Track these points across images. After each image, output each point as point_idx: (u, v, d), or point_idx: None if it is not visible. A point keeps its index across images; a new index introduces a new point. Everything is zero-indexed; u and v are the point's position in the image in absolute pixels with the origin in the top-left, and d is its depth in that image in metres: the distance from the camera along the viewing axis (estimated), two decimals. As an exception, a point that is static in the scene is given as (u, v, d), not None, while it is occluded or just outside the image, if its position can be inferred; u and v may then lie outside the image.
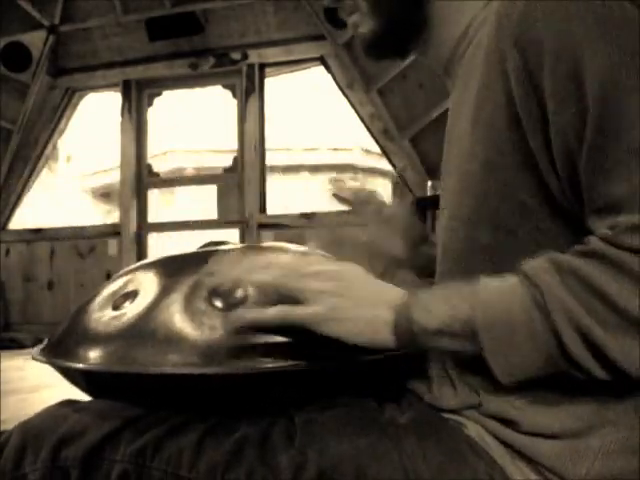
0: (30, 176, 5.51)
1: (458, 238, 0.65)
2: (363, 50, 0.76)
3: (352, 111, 4.85)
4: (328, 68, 4.82)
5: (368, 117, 4.74)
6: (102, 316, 0.68)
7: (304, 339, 0.61)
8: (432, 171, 4.55)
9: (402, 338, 0.58)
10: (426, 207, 4.26)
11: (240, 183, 5.04)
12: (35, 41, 5.08)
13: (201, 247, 0.84)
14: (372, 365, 0.64)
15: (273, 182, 6.00)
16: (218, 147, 9.48)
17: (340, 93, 4.84)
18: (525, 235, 0.59)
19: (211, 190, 5.26)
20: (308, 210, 5.05)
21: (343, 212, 4.84)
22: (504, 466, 0.58)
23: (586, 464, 0.55)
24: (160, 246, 6.29)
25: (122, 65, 5.24)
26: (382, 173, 10.60)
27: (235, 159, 5.15)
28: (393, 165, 4.83)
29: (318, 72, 5.13)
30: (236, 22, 4.94)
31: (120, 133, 5.33)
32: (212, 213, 5.23)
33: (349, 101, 4.81)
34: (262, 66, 5.02)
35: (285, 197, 9.06)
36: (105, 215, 11.29)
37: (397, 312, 0.58)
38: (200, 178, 7.60)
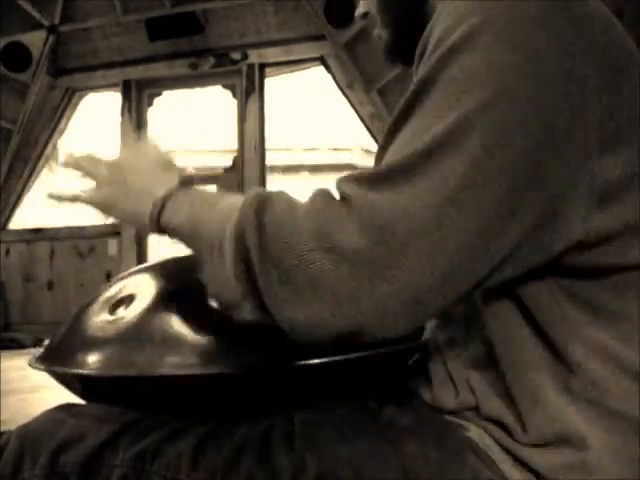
0: (30, 176, 5.52)
1: None
2: (385, 58, 0.81)
3: (352, 111, 4.85)
4: (328, 68, 4.82)
5: (368, 117, 4.74)
6: (98, 321, 0.68)
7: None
8: (432, 171, 4.55)
9: (152, 228, 0.67)
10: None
11: (240, 183, 5.03)
12: (35, 41, 5.09)
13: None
14: (371, 361, 0.64)
15: (273, 182, 6.00)
16: (218, 147, 9.49)
17: (340, 93, 4.84)
18: None
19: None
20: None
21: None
22: (504, 469, 0.57)
23: (583, 473, 0.55)
24: (160, 246, 6.29)
25: (122, 65, 5.24)
26: (382, 173, 10.61)
27: (235, 159, 5.15)
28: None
29: (318, 72, 5.13)
30: (236, 22, 4.94)
31: (120, 133, 5.33)
32: (212, 213, 5.20)
33: (349, 101, 4.82)
34: (262, 66, 5.02)
35: (285, 197, 9.05)
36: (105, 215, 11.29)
37: (154, 205, 0.66)
38: (200, 178, 7.60)
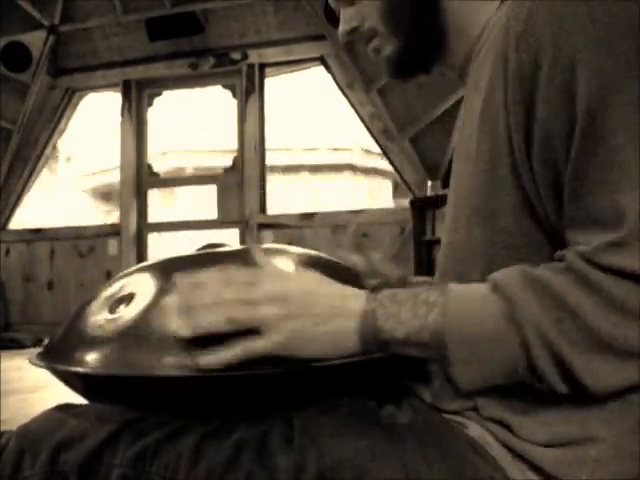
0: (30, 176, 5.52)
1: (459, 239, 0.65)
2: (389, 73, 0.76)
3: (352, 111, 4.85)
4: (328, 68, 4.82)
5: (368, 117, 4.74)
6: (99, 320, 0.68)
7: None
8: (432, 171, 4.56)
9: (369, 347, 0.58)
10: (425, 207, 4.26)
11: (240, 183, 5.04)
12: (35, 41, 5.09)
13: (199, 249, 0.84)
14: (372, 363, 0.64)
15: (273, 182, 6.00)
16: (218, 147, 9.49)
17: (340, 93, 4.84)
18: (518, 238, 0.59)
19: (211, 190, 5.25)
20: (308, 210, 5.06)
21: (342, 212, 4.84)
22: (506, 467, 0.57)
23: (585, 471, 0.55)
24: (160, 246, 6.29)
25: (122, 65, 5.24)
26: (382, 173, 10.61)
27: (235, 159, 5.15)
28: (393, 165, 4.83)
29: (318, 72, 5.13)
30: (236, 22, 4.94)
31: (120, 133, 5.33)
32: (212, 213, 5.22)
33: (349, 101, 4.82)
34: (262, 66, 5.02)
35: (285, 197, 9.07)
36: (105, 215, 11.29)
37: (362, 321, 0.57)
38: (200, 178, 7.60)
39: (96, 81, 5.38)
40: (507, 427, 0.58)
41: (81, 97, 5.58)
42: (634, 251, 0.48)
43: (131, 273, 0.75)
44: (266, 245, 0.86)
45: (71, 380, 0.69)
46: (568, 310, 0.50)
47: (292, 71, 5.27)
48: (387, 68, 0.76)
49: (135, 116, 5.30)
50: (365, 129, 4.89)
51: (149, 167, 5.42)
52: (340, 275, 0.65)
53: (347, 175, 11.02)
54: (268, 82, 5.12)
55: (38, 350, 0.73)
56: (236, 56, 5.00)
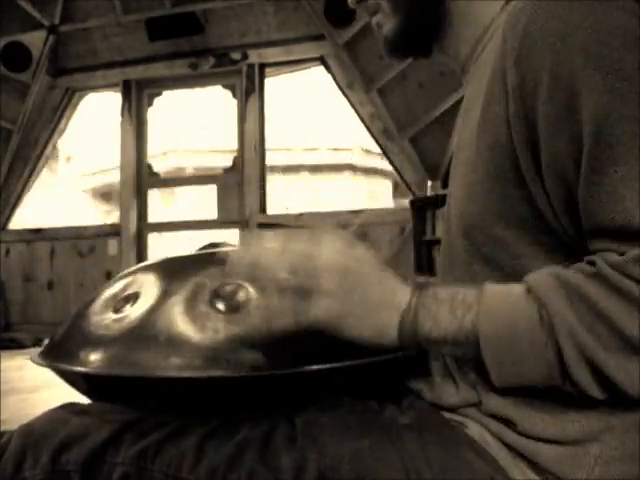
0: (30, 176, 5.52)
1: (460, 245, 0.65)
2: (387, 50, 0.76)
3: (352, 111, 4.85)
4: (328, 68, 4.82)
5: (368, 117, 4.74)
6: (103, 319, 0.67)
7: (309, 340, 0.61)
8: (432, 171, 4.56)
9: (406, 342, 0.58)
10: (425, 207, 4.26)
11: (240, 183, 5.04)
12: (35, 41, 5.09)
13: (200, 249, 0.84)
14: (374, 366, 0.64)
15: (273, 182, 6.00)
16: (218, 147, 9.49)
17: (340, 93, 4.84)
18: (522, 249, 0.59)
19: (211, 190, 5.25)
20: (308, 210, 5.06)
21: (342, 212, 4.85)
22: (505, 466, 0.57)
23: (585, 469, 0.55)
24: (160, 246, 6.29)
25: (122, 65, 5.24)
26: (382, 173, 10.61)
27: (235, 159, 5.16)
28: (393, 165, 4.83)
29: (318, 72, 5.13)
30: (236, 22, 4.94)
31: (120, 133, 5.33)
32: (212, 213, 5.22)
33: (349, 101, 4.82)
34: (262, 66, 5.02)
35: (285, 197, 9.07)
36: (105, 215, 11.29)
37: (403, 316, 0.58)
38: (200, 178, 7.60)
39: (96, 81, 5.38)
40: (508, 423, 0.58)
41: (81, 97, 5.58)
42: None
43: (133, 273, 0.75)
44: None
45: (74, 380, 0.69)
46: (600, 315, 0.50)
47: (292, 71, 5.27)
48: (384, 45, 0.76)
49: (135, 116, 5.30)
50: (365, 129, 4.89)
51: (149, 167, 5.42)
52: None
53: (347, 175, 11.02)
54: (268, 82, 5.13)
55: (39, 349, 0.73)
56: (236, 56, 5.00)
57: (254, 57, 4.98)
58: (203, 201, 8.58)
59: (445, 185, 4.24)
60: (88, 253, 5.31)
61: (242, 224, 4.97)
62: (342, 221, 4.70)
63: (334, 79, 4.84)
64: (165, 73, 5.20)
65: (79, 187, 11.79)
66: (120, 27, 5.10)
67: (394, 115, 4.63)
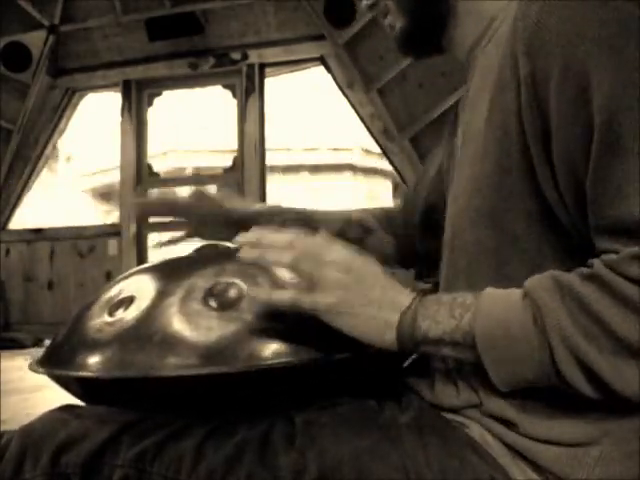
0: (30, 176, 5.51)
1: (466, 239, 0.65)
2: (399, 49, 0.78)
3: (352, 111, 4.85)
4: (328, 68, 4.82)
5: (368, 117, 4.74)
6: (98, 323, 0.67)
7: (302, 334, 0.61)
8: (432, 171, 4.55)
9: (404, 341, 0.59)
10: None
11: (240, 183, 5.03)
12: (35, 41, 5.08)
13: (198, 249, 0.84)
14: (372, 360, 0.64)
15: (273, 182, 6.00)
16: (218, 147, 9.48)
17: (340, 93, 4.84)
18: (529, 243, 0.59)
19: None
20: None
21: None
22: (506, 467, 0.58)
23: (585, 470, 0.55)
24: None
25: (122, 65, 5.23)
26: (382, 173, 10.60)
27: (235, 159, 5.15)
28: (393, 165, 4.83)
29: (318, 72, 5.13)
30: (236, 22, 4.94)
31: (120, 133, 5.33)
32: (212, 213, 5.19)
33: (349, 101, 4.81)
34: (262, 66, 5.02)
35: (285, 197, 9.06)
36: (105, 215, 11.29)
37: (402, 316, 0.59)
38: (200, 178, 7.59)
39: (96, 81, 5.37)
40: (509, 424, 0.58)
41: (81, 97, 5.57)
42: None
43: (130, 276, 0.75)
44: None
45: (72, 385, 0.69)
46: (594, 316, 0.50)
47: (292, 71, 5.27)
48: (396, 45, 0.78)
49: (135, 116, 5.30)
50: (365, 129, 4.88)
51: (149, 167, 5.42)
52: None
53: (347, 175, 11.01)
54: (268, 82, 5.12)
55: (38, 355, 0.73)
56: (236, 56, 5.00)
57: (254, 57, 4.97)
58: (203, 201, 8.54)
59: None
60: (88, 253, 5.31)
61: (242, 224, 4.96)
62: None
63: (334, 79, 4.83)
64: (165, 73, 5.19)
65: (79, 187, 11.78)
66: (120, 27, 5.09)
67: (394, 115, 4.63)
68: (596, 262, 0.52)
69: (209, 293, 0.65)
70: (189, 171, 10.00)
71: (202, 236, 1.01)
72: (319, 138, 10.83)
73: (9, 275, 5.39)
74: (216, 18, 4.94)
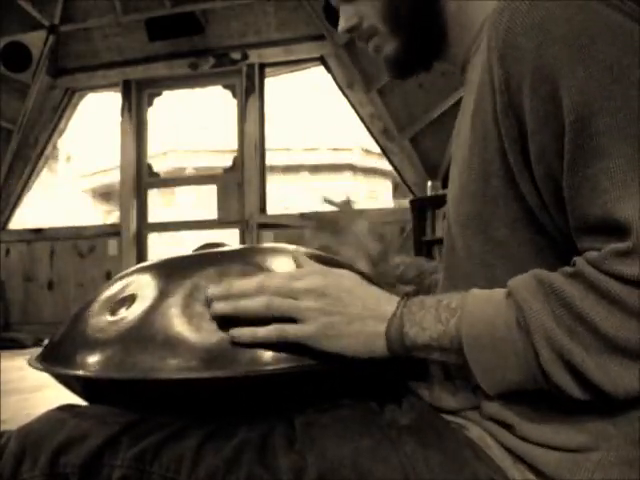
0: (30, 176, 5.52)
1: (457, 245, 0.65)
2: (389, 72, 0.76)
3: (352, 111, 4.85)
4: (328, 68, 4.82)
5: (368, 117, 4.74)
6: (99, 321, 0.67)
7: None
8: (432, 171, 4.56)
9: (395, 350, 0.59)
10: (425, 207, 4.26)
11: (240, 183, 5.04)
12: (35, 41, 5.09)
13: (197, 249, 0.84)
14: (373, 365, 0.64)
15: (273, 182, 6.00)
16: (218, 147, 9.49)
17: (340, 93, 4.84)
18: (515, 247, 0.59)
19: (211, 190, 5.25)
20: (308, 210, 5.05)
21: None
22: (505, 469, 0.57)
23: (585, 474, 0.55)
24: (160, 246, 6.29)
25: (122, 65, 5.24)
26: (382, 173, 10.60)
27: (235, 159, 5.15)
28: (393, 165, 4.83)
29: (318, 72, 5.13)
30: (236, 22, 4.94)
31: (120, 133, 5.33)
32: (212, 213, 5.22)
33: (349, 101, 4.82)
34: (262, 66, 5.02)
35: (285, 197, 9.06)
36: (105, 215, 11.29)
37: (389, 325, 0.59)
38: (200, 178, 7.59)
39: (96, 81, 5.38)
40: (508, 427, 0.58)
41: (81, 97, 5.58)
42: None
43: (131, 274, 0.74)
44: (266, 244, 0.86)
45: (72, 383, 0.68)
46: (578, 315, 0.49)
47: (292, 71, 5.27)
48: (387, 67, 0.76)
49: (135, 116, 5.30)
50: (365, 129, 4.89)
51: (149, 167, 5.42)
52: None
53: (347, 175, 11.01)
54: (268, 82, 5.13)
55: (37, 352, 0.73)
56: (236, 56, 5.00)
57: (254, 57, 4.97)
58: (203, 201, 8.58)
59: (445, 185, 4.24)
60: (88, 253, 5.31)
61: (242, 224, 4.97)
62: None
63: (334, 79, 4.84)
64: (165, 73, 5.19)
65: (79, 187, 11.78)
66: (120, 27, 5.10)
67: (394, 115, 4.63)
68: (579, 260, 0.52)
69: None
70: (189, 171, 10.00)
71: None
72: (319, 138, 10.83)
73: (9, 275, 5.39)
74: (216, 18, 4.94)
